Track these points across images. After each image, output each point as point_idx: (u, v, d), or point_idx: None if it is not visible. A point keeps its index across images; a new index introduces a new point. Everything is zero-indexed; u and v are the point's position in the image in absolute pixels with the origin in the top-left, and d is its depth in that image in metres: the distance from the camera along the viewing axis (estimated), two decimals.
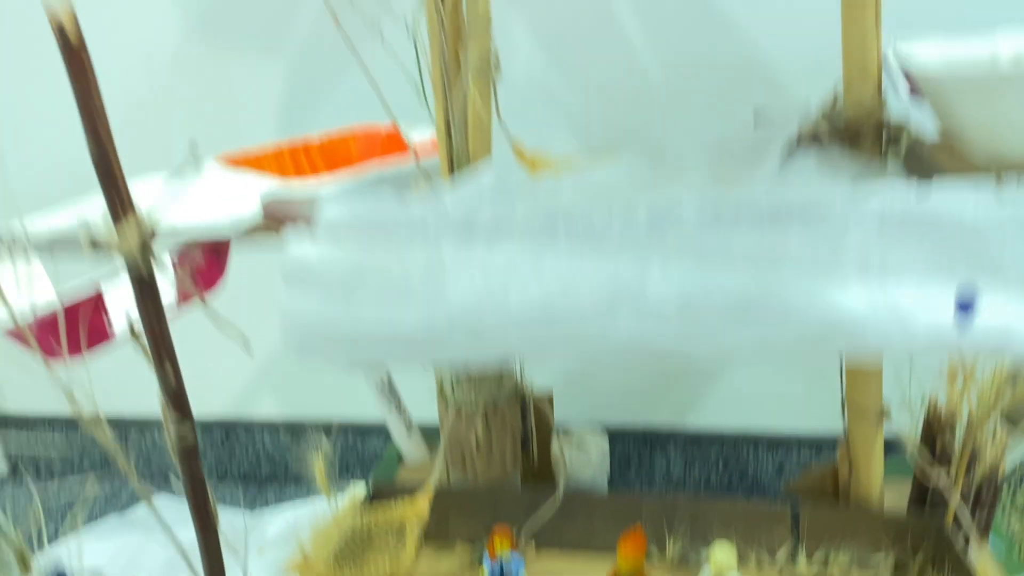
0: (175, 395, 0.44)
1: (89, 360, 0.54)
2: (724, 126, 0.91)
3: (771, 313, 0.37)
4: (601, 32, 0.90)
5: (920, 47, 0.58)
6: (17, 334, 0.52)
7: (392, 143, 0.80)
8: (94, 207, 0.70)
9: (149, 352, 0.44)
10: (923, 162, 0.51)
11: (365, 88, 0.63)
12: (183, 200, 0.61)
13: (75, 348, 0.54)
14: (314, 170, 0.80)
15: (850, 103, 0.55)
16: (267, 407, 1.15)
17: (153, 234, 0.42)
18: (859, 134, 0.55)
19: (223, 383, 1.15)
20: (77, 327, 0.55)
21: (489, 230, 0.40)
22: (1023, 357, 0.36)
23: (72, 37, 0.37)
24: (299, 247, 0.39)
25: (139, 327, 0.44)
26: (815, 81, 0.86)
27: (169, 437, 0.45)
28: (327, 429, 1.07)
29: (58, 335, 0.52)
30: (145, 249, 0.42)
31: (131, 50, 0.97)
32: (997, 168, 0.49)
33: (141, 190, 0.69)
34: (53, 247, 0.44)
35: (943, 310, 0.37)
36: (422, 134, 0.78)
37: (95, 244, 0.42)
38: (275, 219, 0.66)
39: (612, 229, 0.40)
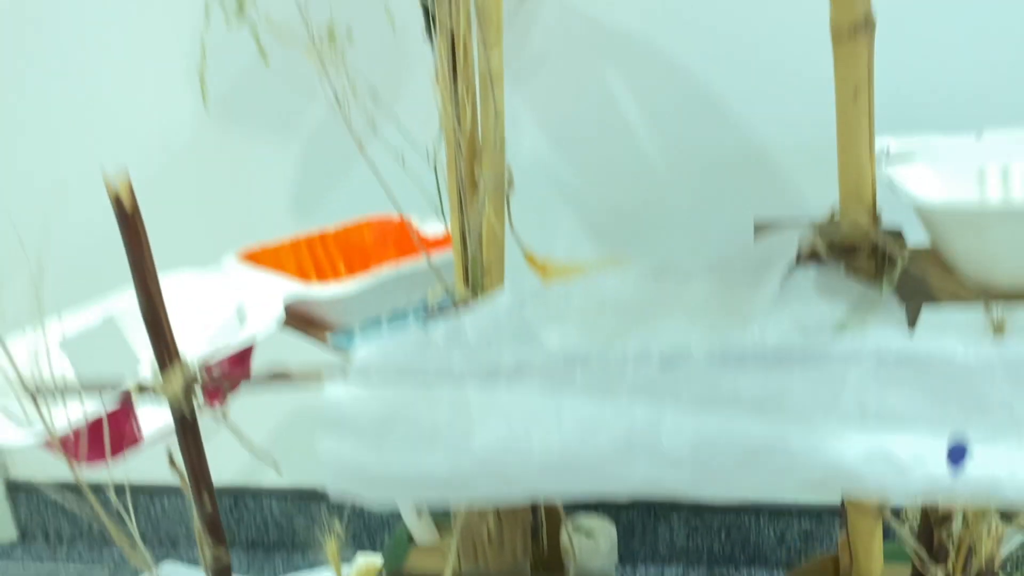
0: (211, 523, 0.47)
1: (117, 464, 0.56)
2: (722, 211, 0.94)
3: (777, 460, 0.40)
4: (604, 119, 0.93)
5: (912, 172, 0.62)
6: (52, 445, 0.54)
7: (405, 231, 0.83)
8: (121, 304, 0.73)
9: (188, 484, 0.46)
10: (917, 286, 0.54)
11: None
12: (208, 311, 0.63)
13: (104, 453, 0.57)
14: (330, 260, 0.83)
15: (846, 223, 0.58)
16: (275, 475, 1.17)
17: (195, 379, 0.45)
18: (855, 251, 0.58)
19: (232, 450, 1.17)
20: (107, 433, 0.57)
21: (511, 374, 0.42)
22: (1013, 503, 0.39)
23: (128, 207, 0.40)
24: (334, 391, 0.42)
25: (179, 460, 0.46)
26: (810, 169, 0.91)
27: (204, 559, 0.47)
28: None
29: (91, 441, 0.54)
30: (188, 392, 0.44)
31: (149, 131, 1.00)
32: (987, 295, 0.52)
33: (174, 287, 0.72)
34: (97, 387, 0.46)
35: (937, 458, 0.39)
36: (435, 227, 0.81)
37: (142, 388, 0.44)
38: (298, 322, 0.69)
39: (626, 372, 0.42)
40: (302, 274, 0.80)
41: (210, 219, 1.03)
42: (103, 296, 0.73)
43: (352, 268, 0.83)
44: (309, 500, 1.15)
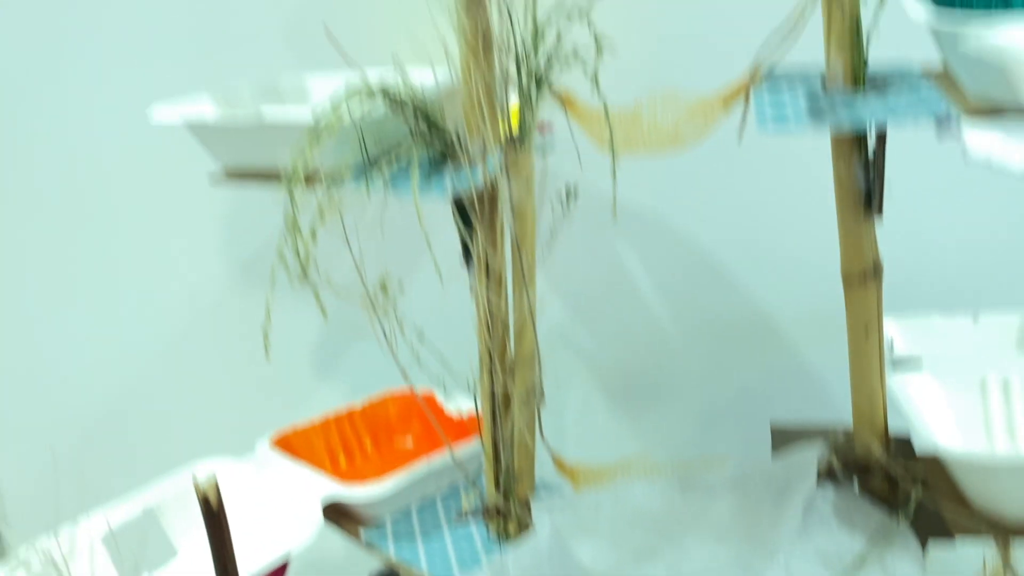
0: None
1: None
2: (731, 375, 0.98)
3: None
4: (617, 287, 0.97)
5: (918, 386, 0.65)
6: None
7: (429, 405, 0.86)
8: (158, 495, 0.75)
9: None
10: (931, 520, 0.57)
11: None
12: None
13: None
14: (357, 437, 0.85)
15: (859, 446, 0.61)
16: None
17: None
18: (869, 471, 0.61)
19: None
20: None
21: None
22: None
23: (214, 505, 0.43)
24: None
25: None
26: (814, 337, 0.95)
27: None
28: None
29: None
30: None
31: (178, 290, 1.04)
32: (997, 529, 0.56)
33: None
34: None
35: None
36: (459, 405, 0.85)
37: None
38: (331, 514, 0.71)
39: None
40: (331, 455, 0.83)
41: (233, 374, 1.06)
42: (141, 487, 0.75)
43: (378, 443, 0.86)
44: None
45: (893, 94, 0.53)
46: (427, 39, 0.87)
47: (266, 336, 0.53)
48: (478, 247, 0.62)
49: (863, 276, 0.58)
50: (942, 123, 0.38)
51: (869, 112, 0.49)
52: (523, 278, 0.63)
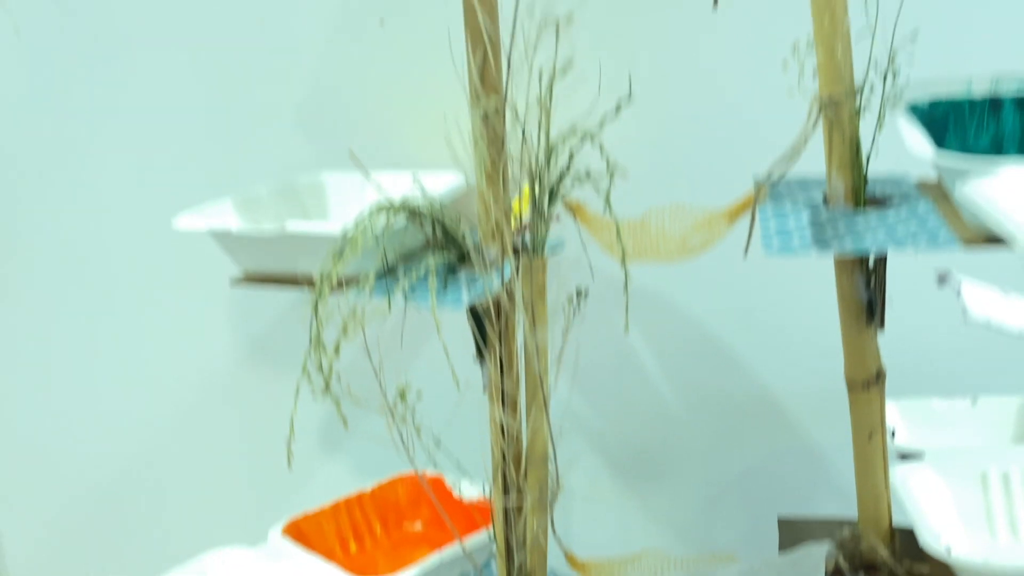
0: None
1: None
2: (735, 451, 0.99)
3: None
4: (621, 365, 0.99)
5: (920, 480, 0.67)
6: None
7: (437, 487, 0.87)
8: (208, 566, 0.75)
9: None
10: None
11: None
12: None
13: None
14: (367, 521, 0.86)
15: (865, 547, 0.63)
16: None
17: None
18: (875, 569, 0.63)
19: None
20: None
21: None
22: None
23: None
24: None
25: None
26: (817, 415, 0.97)
27: None
28: None
29: None
30: None
31: (188, 367, 1.05)
32: None
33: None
34: None
35: None
36: (469, 490, 0.86)
37: None
38: None
39: None
40: (342, 540, 0.84)
41: (238, 453, 1.06)
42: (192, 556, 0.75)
43: (387, 528, 0.87)
44: None
45: (893, 214, 0.55)
46: (443, 140, 0.90)
47: (289, 449, 0.55)
48: (492, 351, 0.64)
49: (866, 383, 0.60)
50: (942, 278, 0.40)
51: (871, 240, 0.51)
52: (538, 380, 0.64)
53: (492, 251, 0.63)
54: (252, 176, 0.97)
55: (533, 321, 0.63)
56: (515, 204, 0.65)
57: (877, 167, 0.60)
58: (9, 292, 1.07)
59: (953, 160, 0.48)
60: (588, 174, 0.57)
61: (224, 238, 0.63)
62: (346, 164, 0.94)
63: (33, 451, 1.12)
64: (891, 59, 0.55)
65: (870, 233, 0.53)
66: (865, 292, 0.57)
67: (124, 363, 1.07)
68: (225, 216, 0.67)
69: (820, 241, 0.52)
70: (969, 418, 0.81)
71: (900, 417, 0.79)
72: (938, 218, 0.53)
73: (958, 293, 0.37)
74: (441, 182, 0.74)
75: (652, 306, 0.97)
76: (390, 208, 0.57)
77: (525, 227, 0.64)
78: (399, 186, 0.76)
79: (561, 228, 0.74)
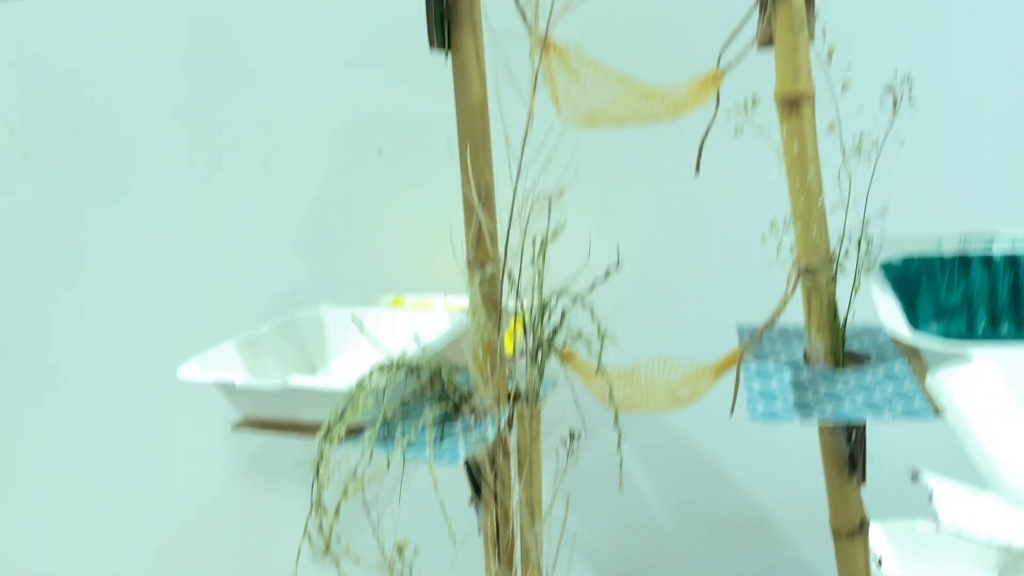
0: None
1: None
2: (726, 566, 1.00)
3: None
4: (615, 482, 1.00)
5: None
6: None
7: None
8: None
9: None
10: None
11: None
12: None
13: None
14: None
15: None
16: None
17: None
18: None
19: None
20: None
21: None
22: None
23: None
24: None
25: None
26: (804, 530, 0.98)
27: None
28: None
29: None
30: None
31: (183, 482, 1.06)
32: None
33: None
34: None
35: None
36: None
37: None
38: None
39: None
40: None
41: (228, 562, 1.07)
42: None
43: None
44: None
45: (871, 375, 0.58)
46: (439, 266, 0.93)
47: None
48: (487, 507, 0.65)
49: (851, 533, 0.62)
50: (915, 475, 0.43)
51: (850, 406, 0.54)
52: (531, 521, 0.66)
53: (487, 398, 0.65)
54: (254, 300, 1.00)
55: (530, 470, 0.65)
56: (508, 332, 0.67)
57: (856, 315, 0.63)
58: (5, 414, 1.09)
59: (927, 342, 0.50)
60: (580, 334, 0.60)
61: (227, 389, 0.65)
62: (344, 291, 0.97)
63: (21, 569, 1.11)
64: (864, 228, 0.58)
65: (849, 397, 0.55)
66: (847, 446, 0.59)
67: (117, 481, 1.08)
68: (228, 360, 0.69)
69: (802, 406, 0.55)
70: (954, 540, 0.83)
71: (886, 541, 0.80)
72: (913, 382, 0.56)
73: (930, 498, 0.39)
74: (436, 323, 0.76)
75: (645, 426, 0.99)
76: (390, 367, 0.60)
77: (518, 355, 0.67)
78: (396, 324, 0.79)
79: (553, 367, 0.77)
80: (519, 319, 0.64)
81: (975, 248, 0.63)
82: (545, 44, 0.58)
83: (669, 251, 0.84)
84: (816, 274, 0.58)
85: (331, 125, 0.98)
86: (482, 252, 0.60)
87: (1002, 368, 0.44)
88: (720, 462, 0.98)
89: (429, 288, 0.96)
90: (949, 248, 0.64)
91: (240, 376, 0.65)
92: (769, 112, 0.57)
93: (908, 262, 0.64)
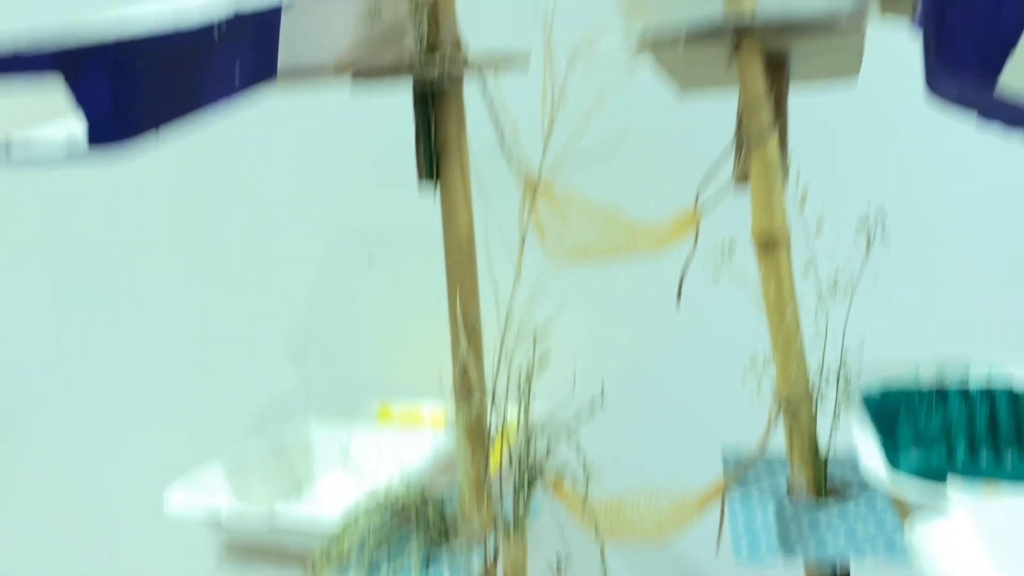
0: None
1: None
2: None
3: None
4: None
5: None
6: None
7: None
8: None
9: None
10: None
11: None
12: None
13: None
14: None
15: None
16: None
17: None
18: None
19: None
20: None
21: None
22: None
23: None
24: None
25: None
26: None
27: None
28: None
29: None
30: None
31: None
32: None
33: None
34: None
35: None
36: None
37: None
38: None
39: None
40: None
41: None
42: None
43: None
44: None
45: (853, 509, 0.58)
46: (426, 373, 0.94)
47: None
48: None
49: None
50: None
51: (832, 543, 0.54)
52: None
53: (473, 528, 0.65)
54: (244, 404, 1.01)
55: None
56: (496, 446, 0.68)
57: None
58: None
59: (905, 489, 0.51)
60: (565, 465, 0.61)
61: (214, 518, 0.65)
62: (332, 396, 0.97)
63: None
64: (842, 363, 0.60)
65: (831, 534, 0.56)
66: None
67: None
68: (215, 485, 0.69)
69: (786, 544, 0.55)
70: None
71: None
72: (894, 517, 0.57)
73: None
74: (421, 445, 0.76)
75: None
76: (376, 509, 0.60)
77: (505, 471, 0.67)
78: (383, 445, 0.80)
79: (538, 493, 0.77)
80: (504, 437, 0.65)
81: (952, 377, 0.65)
82: (533, 185, 0.61)
83: (654, 380, 0.85)
84: (797, 410, 0.59)
85: (323, 233, 1.00)
86: (467, 384, 0.61)
87: (978, 521, 0.45)
88: (710, 569, 0.98)
89: (416, 393, 0.97)
90: (926, 376, 0.65)
91: (226, 503, 0.65)
92: (747, 252, 0.59)
93: (887, 391, 0.65)
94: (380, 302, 0.99)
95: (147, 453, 1.01)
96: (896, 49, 0.66)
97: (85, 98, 0.39)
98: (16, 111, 0.46)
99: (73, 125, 0.42)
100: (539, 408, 0.63)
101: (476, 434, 0.62)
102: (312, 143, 1.00)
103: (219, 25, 0.47)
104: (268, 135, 1.00)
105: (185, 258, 1.02)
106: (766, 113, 0.58)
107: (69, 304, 1.05)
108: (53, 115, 0.47)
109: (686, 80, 0.69)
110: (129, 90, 0.40)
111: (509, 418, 0.63)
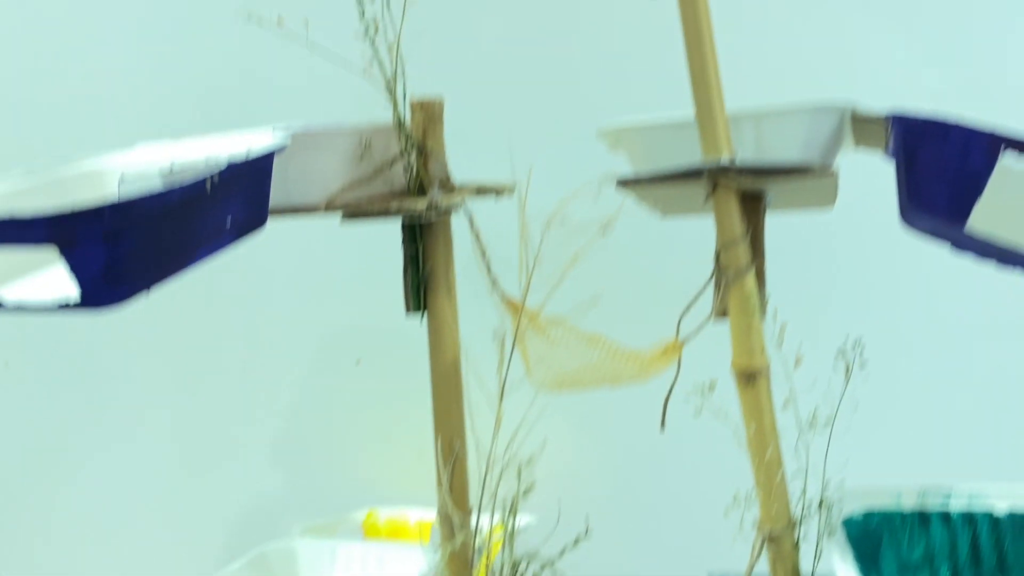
0: None
1: None
2: None
3: None
4: None
5: None
6: None
7: None
8: None
9: None
10: None
11: None
12: None
13: None
14: None
15: None
16: None
17: None
18: None
19: None
20: None
21: None
22: None
23: None
24: None
25: None
26: None
27: None
28: None
29: None
30: None
31: None
32: None
33: None
34: None
35: None
36: None
37: None
38: None
39: None
40: None
41: None
42: None
43: None
44: None
45: None
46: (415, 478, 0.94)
47: None
48: None
49: None
50: None
51: None
52: None
53: None
54: (229, 507, 1.00)
55: None
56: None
57: None
58: None
59: None
60: None
61: None
62: (318, 501, 0.97)
63: None
64: (823, 494, 0.60)
65: None
66: None
67: None
68: None
69: None
70: None
71: None
72: None
73: None
74: (408, 559, 0.76)
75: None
76: None
77: None
78: (368, 560, 0.79)
79: None
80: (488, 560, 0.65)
81: (933, 504, 0.65)
82: (519, 311, 0.62)
83: (637, 509, 0.86)
84: (780, 542, 0.59)
85: (310, 336, 1.01)
86: (449, 527, 0.61)
87: None
88: None
89: (403, 500, 0.96)
90: (908, 502, 0.66)
91: None
92: (728, 388, 0.60)
93: (869, 517, 0.65)
94: (368, 406, 1.00)
95: (128, 560, 1.00)
96: (870, 180, 0.69)
97: (79, 266, 0.40)
98: (5, 264, 0.47)
99: (65, 282, 0.43)
100: (522, 520, 0.63)
101: (460, 564, 0.62)
102: (299, 245, 1.01)
103: (211, 177, 0.49)
104: (257, 236, 1.02)
105: (170, 360, 1.02)
106: (743, 251, 0.60)
107: (50, 402, 1.04)
108: (43, 264, 0.48)
109: (667, 210, 0.70)
110: (123, 255, 0.41)
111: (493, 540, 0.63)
